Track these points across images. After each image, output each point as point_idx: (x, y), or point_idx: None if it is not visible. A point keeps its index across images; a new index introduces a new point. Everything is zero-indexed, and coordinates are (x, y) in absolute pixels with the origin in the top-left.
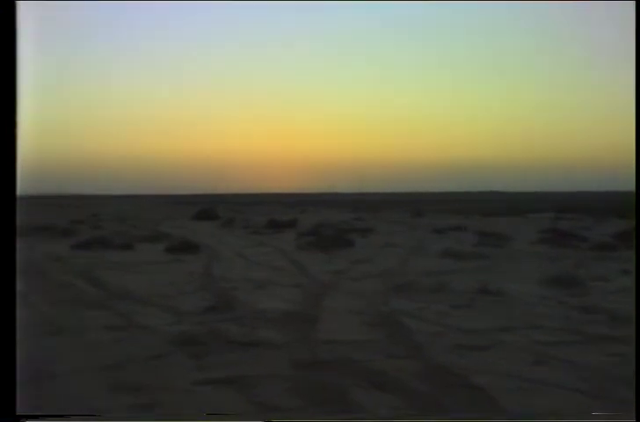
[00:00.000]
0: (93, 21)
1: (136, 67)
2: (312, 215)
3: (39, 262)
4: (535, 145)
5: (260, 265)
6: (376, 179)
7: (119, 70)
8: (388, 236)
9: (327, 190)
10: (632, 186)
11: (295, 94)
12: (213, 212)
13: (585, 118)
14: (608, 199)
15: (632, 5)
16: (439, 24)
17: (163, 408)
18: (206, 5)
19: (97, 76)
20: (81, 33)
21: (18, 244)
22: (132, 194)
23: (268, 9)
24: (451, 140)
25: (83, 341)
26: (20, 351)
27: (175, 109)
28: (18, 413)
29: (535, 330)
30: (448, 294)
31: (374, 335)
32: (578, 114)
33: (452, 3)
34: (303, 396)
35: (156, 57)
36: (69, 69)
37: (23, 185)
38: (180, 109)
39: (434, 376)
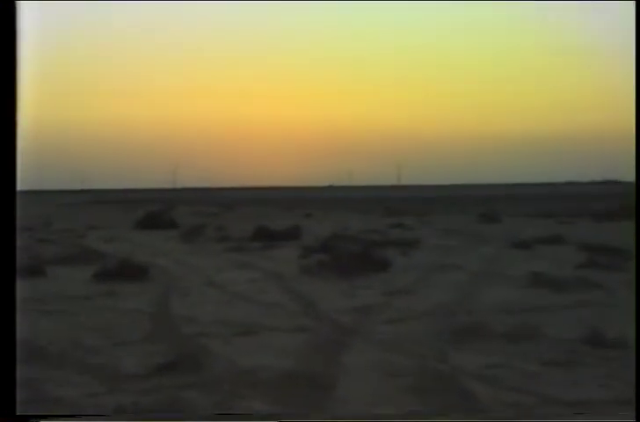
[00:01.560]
0: (93, 21)
1: (136, 67)
2: (323, 221)
3: None
4: None
5: (244, 298)
6: (420, 166)
7: (119, 70)
8: (442, 252)
9: (343, 182)
10: None
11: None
12: (167, 216)
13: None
14: None
15: (632, 5)
16: None
17: None
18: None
19: (97, 76)
20: (81, 33)
21: None
22: (40, 189)
23: None
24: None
25: None
26: None
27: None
28: (18, 413)
29: None
30: (538, 343)
31: (423, 410)
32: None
33: None
34: None
35: (157, 57)
36: (69, 69)
37: None
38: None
39: None
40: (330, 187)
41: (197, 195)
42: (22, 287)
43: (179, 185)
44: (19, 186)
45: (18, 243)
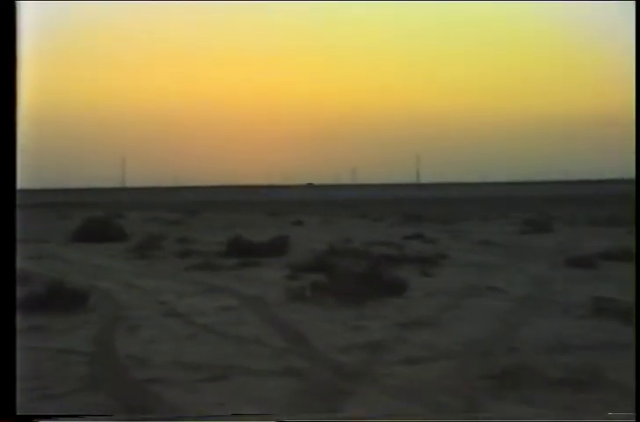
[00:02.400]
0: (93, 21)
1: (136, 67)
2: (318, 230)
3: None
4: None
5: (214, 332)
6: (444, 160)
7: (119, 70)
8: (476, 272)
9: (344, 180)
10: None
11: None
12: (114, 225)
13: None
14: None
15: (632, 5)
16: None
17: None
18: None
19: (97, 76)
20: (81, 33)
21: None
22: None
23: None
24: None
25: None
26: None
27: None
28: (18, 413)
29: None
30: (603, 392)
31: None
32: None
33: None
34: None
35: (157, 57)
36: (69, 69)
37: None
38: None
39: None
40: (310, 186)
41: (152, 197)
42: None
43: (130, 184)
44: None
45: None
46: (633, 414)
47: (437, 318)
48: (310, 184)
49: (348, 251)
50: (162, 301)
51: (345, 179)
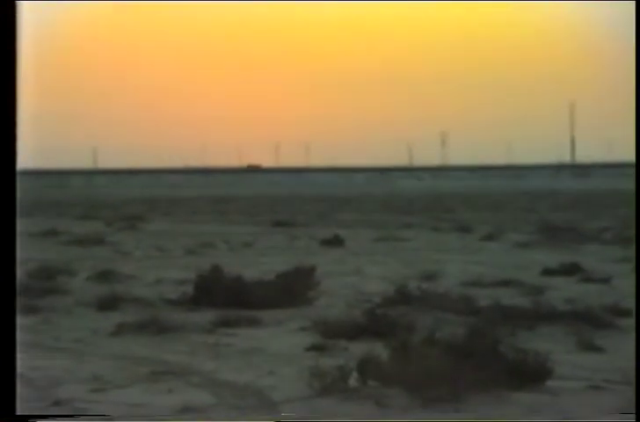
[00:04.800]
0: (93, 21)
1: (136, 67)
2: (371, 255)
3: None
4: None
5: None
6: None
7: (119, 70)
8: None
9: (419, 160)
10: None
11: None
12: None
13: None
14: None
15: (632, 5)
16: None
17: None
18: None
19: (97, 76)
20: (81, 33)
21: None
22: None
23: None
24: None
25: None
26: None
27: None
28: (18, 413)
29: None
30: None
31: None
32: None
33: None
34: None
35: (158, 57)
36: (69, 69)
37: None
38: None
39: None
40: (250, 168)
41: (52, 193)
42: None
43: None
44: None
45: None
46: (633, 414)
47: None
48: (252, 166)
49: (431, 300)
50: (56, 401)
51: (422, 158)
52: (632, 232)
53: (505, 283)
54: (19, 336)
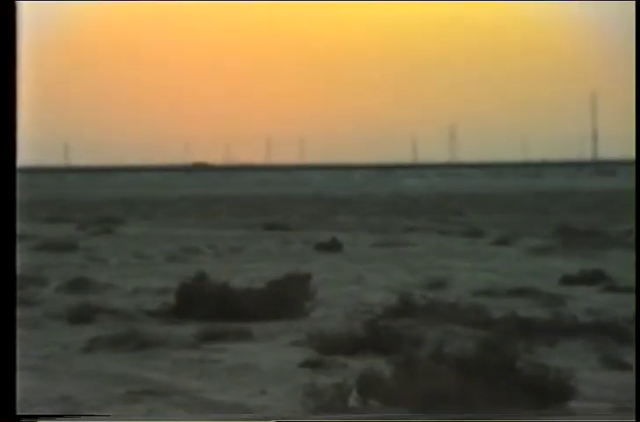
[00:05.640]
0: (93, 21)
1: (136, 67)
2: (372, 261)
3: None
4: None
5: None
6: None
7: (119, 70)
8: None
9: (422, 157)
10: None
11: None
12: None
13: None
14: None
15: (632, 5)
16: None
17: None
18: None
19: (97, 76)
20: (81, 33)
21: None
22: None
23: None
24: None
25: None
26: None
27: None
28: (18, 413)
29: None
30: None
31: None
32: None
33: None
34: None
35: (158, 56)
36: (69, 69)
37: None
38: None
39: None
40: (198, 166)
41: (18, 193)
42: None
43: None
44: None
45: None
46: (633, 414)
47: None
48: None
49: (438, 310)
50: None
51: (424, 156)
52: None
53: (520, 292)
54: None
